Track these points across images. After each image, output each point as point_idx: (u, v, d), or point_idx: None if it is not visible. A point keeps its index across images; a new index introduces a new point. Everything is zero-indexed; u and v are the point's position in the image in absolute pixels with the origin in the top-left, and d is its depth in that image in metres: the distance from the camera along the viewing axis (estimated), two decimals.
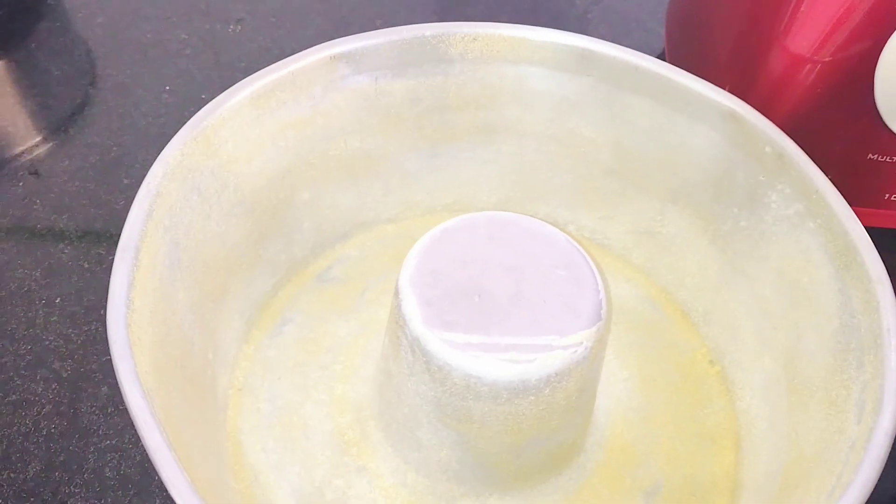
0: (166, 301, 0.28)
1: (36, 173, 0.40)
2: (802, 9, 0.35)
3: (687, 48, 0.44)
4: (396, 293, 0.27)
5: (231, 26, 0.49)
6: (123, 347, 0.23)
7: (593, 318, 0.27)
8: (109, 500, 0.31)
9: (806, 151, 0.31)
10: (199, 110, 0.32)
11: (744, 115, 0.31)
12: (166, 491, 0.30)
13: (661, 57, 0.47)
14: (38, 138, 0.43)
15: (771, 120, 0.32)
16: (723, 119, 0.32)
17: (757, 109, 0.33)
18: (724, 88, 0.38)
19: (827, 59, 0.35)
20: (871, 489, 0.22)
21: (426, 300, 0.27)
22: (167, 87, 0.45)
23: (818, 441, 0.26)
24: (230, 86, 0.45)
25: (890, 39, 0.33)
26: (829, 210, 0.28)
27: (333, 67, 0.33)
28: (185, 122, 0.30)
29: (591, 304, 0.27)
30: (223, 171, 0.31)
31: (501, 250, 0.28)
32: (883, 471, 0.23)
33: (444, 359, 0.26)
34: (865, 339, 0.26)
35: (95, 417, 0.33)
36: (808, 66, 0.37)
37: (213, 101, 0.30)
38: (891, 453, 0.23)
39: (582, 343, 0.26)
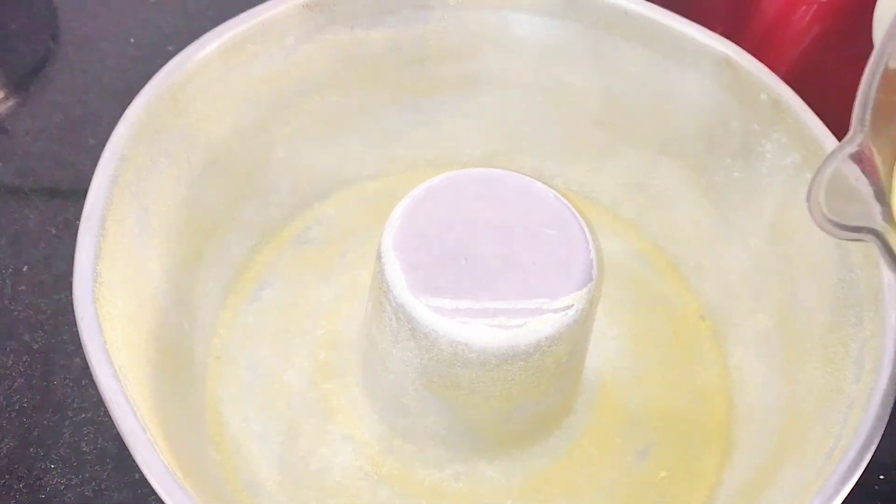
0: (137, 271, 0.27)
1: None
2: None
3: None
4: (379, 258, 0.26)
5: None
6: (92, 324, 0.22)
7: (584, 278, 0.26)
8: (87, 474, 0.30)
9: (802, 98, 0.29)
10: (165, 63, 0.30)
11: (739, 60, 0.30)
12: None
13: None
14: None
15: (765, 65, 0.31)
16: (717, 65, 0.30)
17: (750, 55, 0.31)
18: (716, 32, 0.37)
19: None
20: (871, 452, 0.22)
21: (411, 265, 0.26)
22: (131, 40, 0.43)
23: (816, 400, 0.26)
24: (199, 36, 0.43)
25: None
26: None
27: (307, 16, 0.31)
28: (152, 77, 0.28)
29: (581, 265, 0.26)
30: (193, 131, 0.29)
31: (489, 210, 0.27)
32: (885, 432, 0.22)
33: (431, 326, 0.25)
34: (864, 295, 0.26)
35: (69, 390, 0.32)
36: (804, 7, 0.35)
37: (179, 55, 0.28)
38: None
39: (573, 305, 0.25)
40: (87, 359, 0.22)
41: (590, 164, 0.36)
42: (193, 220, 0.30)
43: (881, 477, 0.31)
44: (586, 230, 0.27)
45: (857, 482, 0.31)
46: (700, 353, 0.33)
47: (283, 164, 0.34)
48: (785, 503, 0.23)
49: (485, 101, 0.35)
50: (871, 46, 0.34)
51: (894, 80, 0.23)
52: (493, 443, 0.29)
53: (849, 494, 0.31)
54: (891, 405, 0.23)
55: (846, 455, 0.22)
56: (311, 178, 0.35)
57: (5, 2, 0.45)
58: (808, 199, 0.20)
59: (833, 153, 0.20)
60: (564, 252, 0.26)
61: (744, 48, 0.33)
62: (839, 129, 0.30)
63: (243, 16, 0.30)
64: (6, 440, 0.30)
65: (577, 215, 0.27)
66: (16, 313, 0.34)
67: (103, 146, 0.38)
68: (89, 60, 0.42)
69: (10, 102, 0.40)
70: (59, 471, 0.30)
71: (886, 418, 0.22)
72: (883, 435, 0.29)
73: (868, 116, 0.20)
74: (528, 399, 0.27)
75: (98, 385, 0.21)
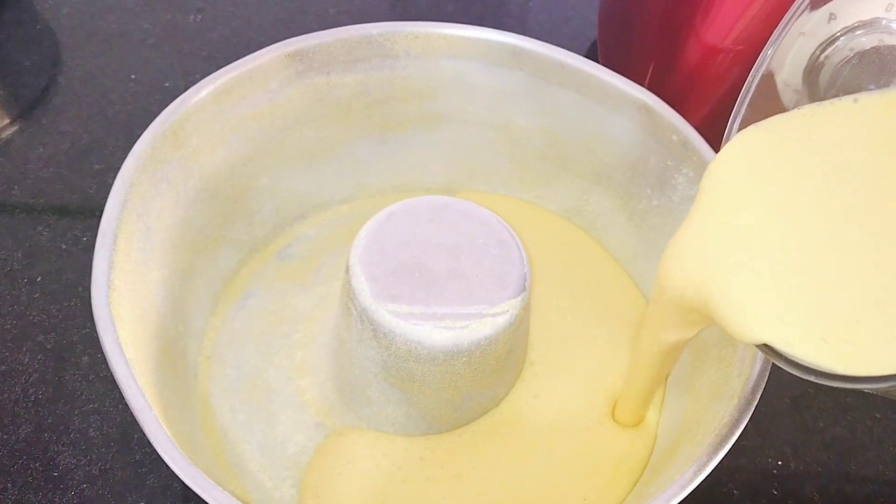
0: (141, 280, 0.31)
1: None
2: (716, 2, 0.38)
3: (616, 38, 0.48)
4: (347, 270, 0.31)
5: (192, 16, 0.51)
6: (107, 322, 0.27)
7: (518, 289, 0.31)
8: (94, 456, 0.34)
9: (718, 136, 0.34)
10: (163, 98, 0.34)
11: (654, 106, 0.35)
12: (144, 447, 0.34)
13: (595, 45, 0.51)
14: (10, 125, 0.45)
15: (687, 106, 0.36)
16: (637, 110, 0.35)
17: (674, 95, 0.36)
18: (647, 75, 0.42)
19: (737, 49, 0.39)
20: (740, 429, 0.27)
21: (373, 276, 0.30)
22: (132, 76, 0.48)
23: (710, 392, 0.31)
24: (192, 74, 0.48)
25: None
26: None
27: (288, 64, 0.36)
28: (151, 110, 0.33)
29: (517, 278, 0.31)
30: (189, 161, 0.34)
31: (440, 231, 0.32)
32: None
33: (389, 327, 0.30)
34: None
35: (78, 384, 0.36)
36: (722, 55, 0.41)
37: (179, 98, 0.33)
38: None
39: (508, 311, 0.30)
40: (103, 349, 0.26)
41: (535, 192, 0.41)
42: (188, 238, 0.35)
43: (779, 463, 0.36)
44: (521, 249, 0.32)
45: (757, 466, 0.36)
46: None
47: (267, 189, 0.38)
48: (675, 474, 0.28)
49: (444, 136, 0.40)
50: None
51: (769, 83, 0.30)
52: (444, 429, 0.34)
53: (749, 477, 0.36)
54: (759, 393, 0.28)
55: (718, 432, 0.27)
56: (292, 202, 0.40)
57: (15, 40, 0.50)
58: None
59: None
60: (502, 267, 0.31)
61: (671, 90, 0.38)
62: None
63: (233, 65, 0.34)
64: (24, 427, 0.35)
65: (515, 236, 0.32)
66: (31, 318, 0.38)
67: (108, 171, 0.43)
68: (94, 95, 0.47)
69: (24, 132, 0.45)
70: (69, 453, 0.34)
71: (755, 402, 0.27)
72: (781, 427, 0.35)
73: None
74: (474, 390, 0.32)
75: (112, 370, 0.26)
